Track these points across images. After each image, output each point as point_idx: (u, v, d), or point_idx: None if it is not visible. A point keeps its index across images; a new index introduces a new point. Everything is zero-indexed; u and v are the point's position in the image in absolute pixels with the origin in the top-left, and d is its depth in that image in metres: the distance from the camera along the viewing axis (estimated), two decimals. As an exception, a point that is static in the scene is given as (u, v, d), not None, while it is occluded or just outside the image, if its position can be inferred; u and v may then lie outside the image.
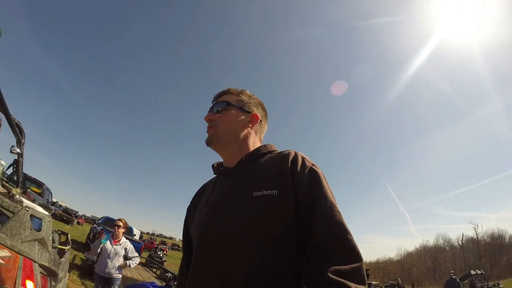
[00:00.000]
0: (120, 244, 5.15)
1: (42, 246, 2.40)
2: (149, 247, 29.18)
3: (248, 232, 0.87)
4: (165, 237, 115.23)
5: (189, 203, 1.25)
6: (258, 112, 1.17)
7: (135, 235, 18.45)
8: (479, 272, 20.07)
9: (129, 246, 5.29)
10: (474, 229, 57.95)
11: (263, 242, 0.85)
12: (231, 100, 1.15)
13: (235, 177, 1.04)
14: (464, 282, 18.34)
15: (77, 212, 41.37)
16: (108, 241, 5.06)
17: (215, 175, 1.17)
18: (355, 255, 0.76)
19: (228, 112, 1.12)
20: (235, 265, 0.85)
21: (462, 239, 58.00)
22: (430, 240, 62.30)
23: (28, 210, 2.33)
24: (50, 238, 2.59)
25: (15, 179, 3.27)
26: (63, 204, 41.98)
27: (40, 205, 3.92)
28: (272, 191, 0.90)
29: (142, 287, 5.19)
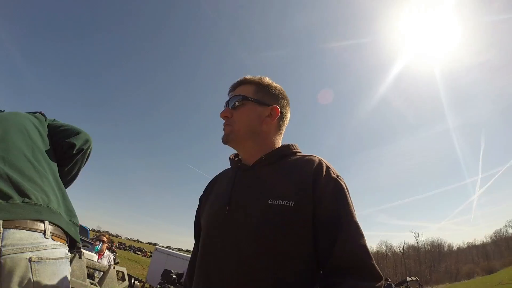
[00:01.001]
0: (105, 257, 5.58)
1: None
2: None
3: (257, 240, 0.85)
4: (111, 234, 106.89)
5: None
6: (279, 103, 1.08)
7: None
8: (414, 278, 19.87)
9: (111, 257, 5.75)
10: (415, 237, 60.79)
11: (271, 253, 0.83)
12: (248, 92, 1.06)
13: (253, 178, 0.99)
14: (399, 288, 17.87)
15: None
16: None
17: (231, 167, 1.12)
18: (376, 276, 0.77)
19: (245, 107, 1.04)
20: (239, 270, 0.85)
21: (403, 246, 60.67)
22: (373, 246, 65.03)
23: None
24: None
25: None
26: None
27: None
28: (288, 202, 0.86)
29: None
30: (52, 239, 1.08)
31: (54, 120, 1.54)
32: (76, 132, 1.47)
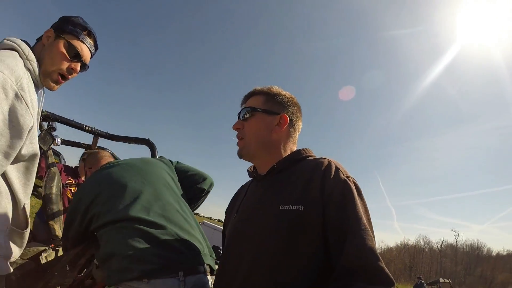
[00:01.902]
0: None
1: None
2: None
3: (269, 247, 0.87)
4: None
5: None
6: (287, 111, 1.10)
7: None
8: (447, 280, 20.58)
9: None
10: (455, 236, 59.08)
11: (282, 259, 0.85)
12: (257, 103, 1.09)
13: (266, 186, 1.03)
14: (431, 288, 18.86)
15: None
16: None
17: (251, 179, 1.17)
18: (385, 279, 0.74)
19: (254, 118, 1.08)
20: (252, 277, 0.88)
21: (442, 243, 59.05)
22: (411, 239, 62.74)
23: None
24: None
25: None
26: None
27: None
28: (298, 207, 0.87)
29: None
30: (209, 276, 1.35)
31: (177, 162, 1.87)
32: (203, 178, 1.84)
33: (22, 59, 1.09)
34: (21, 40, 1.13)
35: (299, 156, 1.06)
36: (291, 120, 1.11)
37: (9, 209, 1.10)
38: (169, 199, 1.50)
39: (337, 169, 0.94)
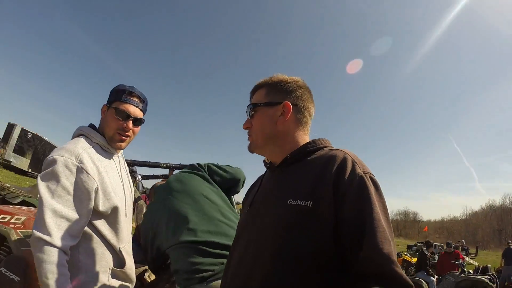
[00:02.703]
0: None
1: None
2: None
3: (273, 242, 0.85)
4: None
5: None
6: (290, 98, 1.03)
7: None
8: None
9: None
10: None
11: (286, 256, 0.82)
12: (259, 98, 1.06)
13: (277, 178, 1.00)
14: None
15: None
16: None
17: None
18: (403, 285, 0.70)
19: (258, 114, 1.05)
20: (254, 270, 0.87)
21: None
22: (497, 200, 58.09)
23: None
24: None
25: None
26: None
27: None
28: (306, 202, 0.82)
29: None
30: None
31: (209, 166, 2.06)
32: (235, 181, 2.10)
33: (88, 138, 1.41)
34: (89, 125, 1.49)
35: (313, 147, 0.99)
36: (296, 105, 1.03)
37: (106, 255, 1.36)
38: (211, 212, 1.76)
39: (353, 163, 0.85)
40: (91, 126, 1.49)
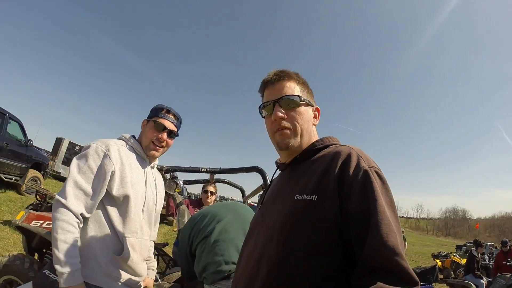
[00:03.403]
0: None
1: None
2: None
3: (280, 236, 0.85)
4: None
5: None
6: (313, 100, 1.08)
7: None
8: None
9: None
10: None
11: (292, 249, 0.82)
12: (296, 91, 1.02)
13: (287, 176, 1.03)
14: None
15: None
16: None
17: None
18: (408, 280, 0.68)
19: (300, 109, 1.01)
20: (261, 264, 0.87)
21: None
22: None
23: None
24: None
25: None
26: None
27: None
28: (311, 196, 0.83)
29: None
30: None
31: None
32: None
33: (124, 142, 1.64)
34: (131, 135, 1.70)
35: (321, 145, 1.01)
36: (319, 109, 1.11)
37: (108, 239, 1.47)
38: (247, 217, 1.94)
39: (358, 158, 0.86)
40: (132, 136, 1.71)
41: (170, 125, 1.68)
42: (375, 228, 0.73)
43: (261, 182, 2.93)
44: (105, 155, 1.47)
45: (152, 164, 1.75)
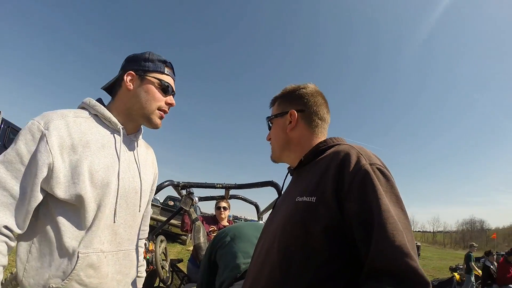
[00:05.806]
0: None
1: None
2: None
3: (281, 239, 0.86)
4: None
5: None
6: (296, 105, 1.07)
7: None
8: None
9: None
10: None
11: (291, 252, 0.82)
12: (273, 111, 1.14)
13: (293, 180, 1.07)
14: None
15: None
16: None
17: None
18: (418, 281, 0.64)
19: (273, 126, 1.13)
20: (264, 265, 0.89)
21: None
22: None
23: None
24: None
25: None
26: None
27: None
28: (311, 198, 0.82)
29: None
30: None
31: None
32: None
33: (87, 111, 1.11)
34: (97, 99, 1.16)
35: (324, 146, 1.00)
36: (302, 111, 1.06)
37: (66, 266, 0.97)
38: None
39: (357, 156, 0.82)
40: (98, 99, 1.17)
41: (173, 85, 1.23)
42: (380, 228, 0.69)
43: (276, 197, 2.85)
44: (42, 137, 0.94)
45: (135, 137, 1.22)
